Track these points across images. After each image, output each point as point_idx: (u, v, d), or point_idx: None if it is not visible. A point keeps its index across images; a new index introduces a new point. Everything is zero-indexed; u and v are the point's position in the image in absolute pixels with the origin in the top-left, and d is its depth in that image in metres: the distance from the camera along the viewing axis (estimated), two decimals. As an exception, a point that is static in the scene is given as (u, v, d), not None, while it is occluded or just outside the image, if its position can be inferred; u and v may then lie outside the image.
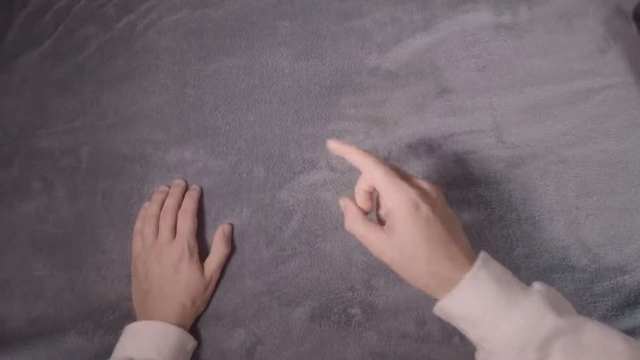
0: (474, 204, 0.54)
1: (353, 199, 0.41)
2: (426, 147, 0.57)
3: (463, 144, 0.57)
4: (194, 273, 0.51)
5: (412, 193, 0.36)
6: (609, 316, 0.49)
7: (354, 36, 0.63)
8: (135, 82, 0.65)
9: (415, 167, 0.57)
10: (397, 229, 0.36)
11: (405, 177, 0.39)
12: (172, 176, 0.59)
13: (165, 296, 0.50)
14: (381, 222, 0.40)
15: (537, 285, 0.37)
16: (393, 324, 0.51)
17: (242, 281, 0.55)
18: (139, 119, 0.63)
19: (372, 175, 0.38)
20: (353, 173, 0.57)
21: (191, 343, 0.50)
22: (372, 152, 0.40)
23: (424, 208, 0.36)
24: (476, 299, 0.36)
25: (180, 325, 0.49)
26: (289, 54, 0.62)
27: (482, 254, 0.37)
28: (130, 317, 0.54)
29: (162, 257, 0.52)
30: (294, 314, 0.53)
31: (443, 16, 0.62)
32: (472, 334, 0.36)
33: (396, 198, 0.36)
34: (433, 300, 0.51)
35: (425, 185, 0.38)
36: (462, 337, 0.50)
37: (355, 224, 0.39)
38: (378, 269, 0.53)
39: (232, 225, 0.57)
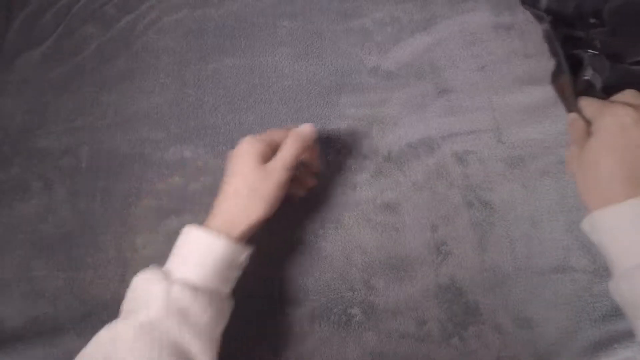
0: (474, 204, 0.54)
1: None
2: (426, 147, 0.57)
3: (463, 144, 0.57)
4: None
5: (626, 117, 0.36)
6: (608, 316, 0.49)
7: (354, 36, 0.63)
8: (135, 82, 0.65)
9: (415, 167, 0.57)
10: (595, 136, 0.37)
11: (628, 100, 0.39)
12: (171, 175, 0.59)
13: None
14: None
15: None
16: (393, 324, 0.51)
17: (242, 281, 0.54)
18: (138, 118, 0.63)
19: (586, 109, 0.39)
20: (352, 173, 0.57)
21: (243, 254, 0.46)
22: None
23: (632, 133, 0.36)
24: (629, 221, 0.35)
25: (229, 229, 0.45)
26: (289, 53, 0.62)
27: None
28: (127, 317, 0.54)
29: None
30: (293, 314, 0.53)
31: (443, 16, 0.62)
32: (610, 251, 0.35)
33: (608, 119, 0.37)
34: (433, 301, 0.52)
35: None
36: (462, 337, 0.50)
37: (575, 125, 0.41)
38: (378, 269, 0.53)
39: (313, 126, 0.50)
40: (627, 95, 0.41)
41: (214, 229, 0.44)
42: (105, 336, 0.40)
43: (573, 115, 0.43)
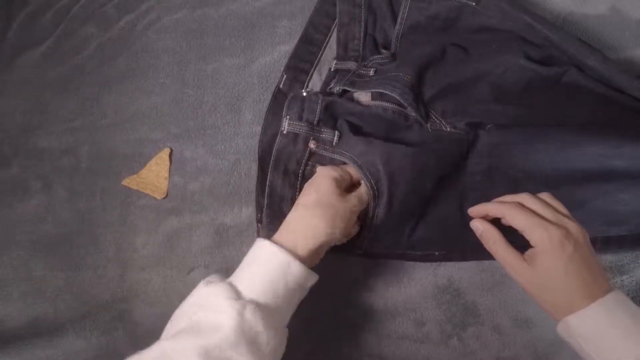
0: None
1: (488, 222, 0.43)
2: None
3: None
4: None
5: (557, 233, 0.39)
6: (608, 317, 0.49)
7: (354, 36, 0.63)
8: (135, 82, 0.65)
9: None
10: (539, 260, 0.39)
11: (552, 215, 0.41)
12: (171, 175, 0.59)
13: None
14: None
15: None
16: (391, 326, 0.51)
17: (241, 281, 0.54)
18: (138, 118, 0.63)
19: (514, 220, 0.41)
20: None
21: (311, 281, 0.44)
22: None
23: (568, 247, 0.39)
24: (606, 321, 0.37)
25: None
26: (288, 53, 0.62)
27: (618, 290, 0.39)
28: (123, 319, 0.54)
29: None
30: (292, 316, 0.52)
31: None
32: (594, 355, 0.37)
33: (541, 236, 0.39)
34: (432, 302, 0.51)
35: (570, 224, 0.40)
36: (461, 338, 0.50)
37: (498, 247, 0.42)
38: (376, 271, 0.53)
39: None
40: (525, 198, 0.42)
41: (286, 247, 0.42)
42: (168, 348, 0.37)
43: (478, 225, 0.44)
